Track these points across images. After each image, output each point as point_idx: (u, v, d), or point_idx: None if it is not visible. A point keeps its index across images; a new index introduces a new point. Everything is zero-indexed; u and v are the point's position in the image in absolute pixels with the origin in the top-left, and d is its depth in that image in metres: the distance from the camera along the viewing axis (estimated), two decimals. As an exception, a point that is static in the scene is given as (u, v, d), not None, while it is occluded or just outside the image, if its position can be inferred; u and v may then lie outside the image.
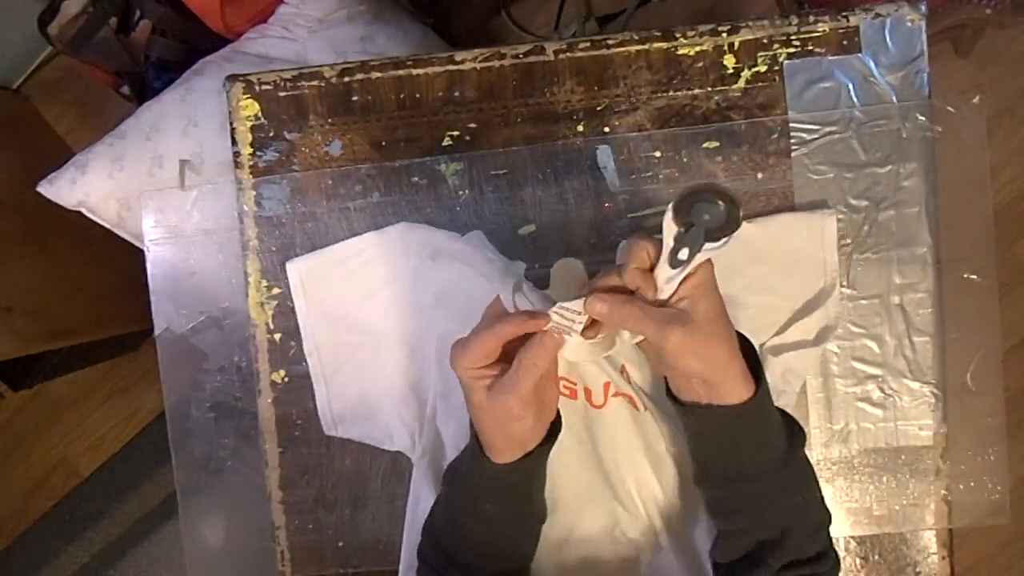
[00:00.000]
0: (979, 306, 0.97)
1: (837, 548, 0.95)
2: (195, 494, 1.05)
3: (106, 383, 2.38)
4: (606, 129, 0.98)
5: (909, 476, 0.97)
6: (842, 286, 0.97)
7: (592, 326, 0.74)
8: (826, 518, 0.79)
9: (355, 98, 1.00)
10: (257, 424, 1.02)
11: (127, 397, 2.37)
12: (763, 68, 0.97)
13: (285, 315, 1.01)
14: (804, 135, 0.96)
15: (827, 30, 0.96)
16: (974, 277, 0.97)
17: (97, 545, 2.28)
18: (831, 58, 0.96)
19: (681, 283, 0.70)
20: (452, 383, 0.96)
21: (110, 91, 1.92)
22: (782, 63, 0.96)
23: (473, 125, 0.99)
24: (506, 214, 0.99)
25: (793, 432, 0.77)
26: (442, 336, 0.95)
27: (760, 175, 0.97)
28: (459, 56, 0.99)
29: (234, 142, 1.02)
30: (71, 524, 2.33)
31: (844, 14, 0.96)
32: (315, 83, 1.01)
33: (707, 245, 0.68)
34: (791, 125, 0.96)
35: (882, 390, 0.97)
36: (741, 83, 0.97)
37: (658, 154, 0.97)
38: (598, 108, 0.98)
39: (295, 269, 0.99)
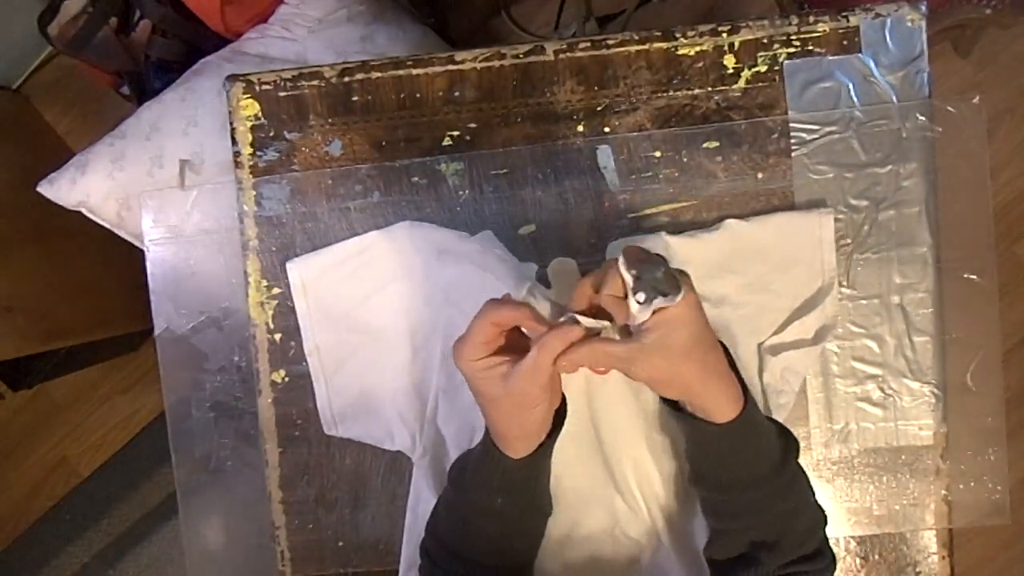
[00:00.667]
0: (979, 306, 0.97)
1: (837, 548, 0.96)
2: (195, 494, 1.05)
3: (106, 383, 2.38)
4: (606, 129, 0.98)
5: (909, 476, 0.97)
6: (842, 286, 0.97)
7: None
8: (821, 519, 0.80)
9: (355, 98, 1.00)
10: (257, 424, 1.02)
11: (127, 397, 2.37)
12: (763, 68, 0.97)
13: (285, 315, 1.01)
14: (804, 135, 0.96)
15: (827, 30, 0.96)
16: (974, 277, 0.97)
17: (97, 545, 2.28)
18: (831, 58, 0.96)
19: (657, 311, 0.70)
20: (456, 382, 0.96)
21: (110, 91, 1.92)
22: (782, 63, 0.96)
23: (473, 125, 0.99)
24: (506, 214, 0.99)
25: (787, 442, 0.78)
26: (443, 334, 0.95)
27: (760, 175, 0.97)
28: (459, 56, 0.99)
29: (234, 142, 1.01)
30: (71, 524, 2.33)
31: (844, 14, 0.96)
32: (315, 83, 1.01)
33: (656, 300, 0.68)
34: (791, 125, 0.96)
35: (882, 390, 0.97)
36: (741, 83, 0.97)
37: (658, 154, 0.97)
38: (598, 108, 0.98)
39: (295, 269, 0.99)
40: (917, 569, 0.98)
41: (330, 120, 1.01)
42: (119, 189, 1.43)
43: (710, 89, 0.97)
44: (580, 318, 0.72)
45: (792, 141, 0.96)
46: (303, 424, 1.01)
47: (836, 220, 0.96)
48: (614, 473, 0.92)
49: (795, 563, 0.75)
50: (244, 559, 1.05)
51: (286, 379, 1.01)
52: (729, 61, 0.97)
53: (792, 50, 0.96)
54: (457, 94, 0.99)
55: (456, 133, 0.99)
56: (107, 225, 1.50)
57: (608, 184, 0.98)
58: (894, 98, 0.96)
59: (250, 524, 1.04)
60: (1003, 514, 0.97)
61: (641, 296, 0.69)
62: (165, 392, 1.04)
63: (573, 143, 0.98)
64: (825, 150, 0.96)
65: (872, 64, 0.96)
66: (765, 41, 0.97)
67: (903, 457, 0.97)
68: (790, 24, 0.96)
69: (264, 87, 1.01)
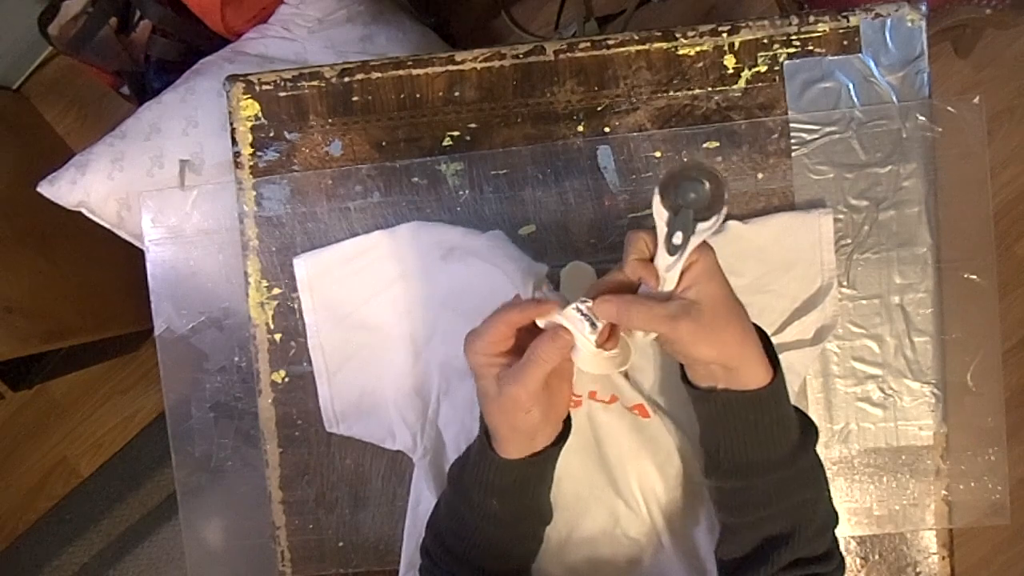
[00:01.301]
0: (979, 306, 0.97)
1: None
2: (195, 494, 1.05)
3: (106, 383, 2.38)
4: (606, 129, 0.98)
5: (909, 476, 0.97)
6: (842, 286, 0.97)
7: (610, 337, 0.74)
8: (834, 518, 0.79)
9: (355, 98, 1.00)
10: (257, 424, 1.02)
11: (127, 397, 2.37)
12: (763, 68, 0.97)
13: (285, 315, 1.01)
14: (804, 135, 0.96)
15: (827, 30, 0.96)
16: (974, 277, 0.97)
17: (97, 545, 2.28)
18: (831, 58, 0.96)
19: (684, 272, 0.70)
20: (456, 384, 0.96)
21: (110, 91, 1.92)
22: (782, 63, 0.96)
23: (473, 125, 0.99)
24: (506, 214, 0.99)
25: (806, 427, 0.77)
26: (446, 336, 0.95)
27: (760, 175, 0.97)
28: (459, 56, 0.99)
29: (234, 142, 1.02)
30: (71, 524, 2.33)
31: (844, 14, 0.96)
32: (315, 83, 1.01)
33: (699, 226, 0.68)
34: (791, 125, 0.96)
35: (882, 390, 0.97)
36: (741, 83, 0.97)
37: (658, 154, 0.97)
38: (598, 108, 0.98)
39: (302, 264, 0.99)
40: (917, 569, 0.98)
41: (330, 120, 1.01)
42: (119, 189, 1.44)
43: (710, 89, 0.97)
44: (576, 308, 0.72)
45: (792, 141, 0.96)
46: (303, 424, 1.01)
47: (836, 220, 0.96)
48: (615, 477, 0.92)
49: (806, 563, 0.75)
50: (244, 559, 1.05)
51: (286, 379, 1.01)
52: (729, 61, 0.97)
53: (792, 50, 0.96)
54: (457, 94, 0.99)
55: (456, 133, 0.99)
56: (107, 225, 1.50)
57: (608, 184, 0.98)
58: (894, 98, 0.96)
59: (250, 524, 1.04)
60: (1003, 514, 0.97)
61: (679, 237, 0.69)
62: (165, 392, 1.04)
63: (573, 143, 0.98)
64: (825, 150, 0.96)
65: (872, 64, 0.96)
66: (765, 41, 0.97)
67: (903, 457, 0.97)
68: (790, 24, 0.96)
69: (264, 87, 1.01)
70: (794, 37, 0.96)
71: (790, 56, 0.96)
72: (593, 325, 0.72)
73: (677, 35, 0.97)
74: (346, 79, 1.00)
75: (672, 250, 0.69)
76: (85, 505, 2.34)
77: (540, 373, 0.71)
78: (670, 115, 0.98)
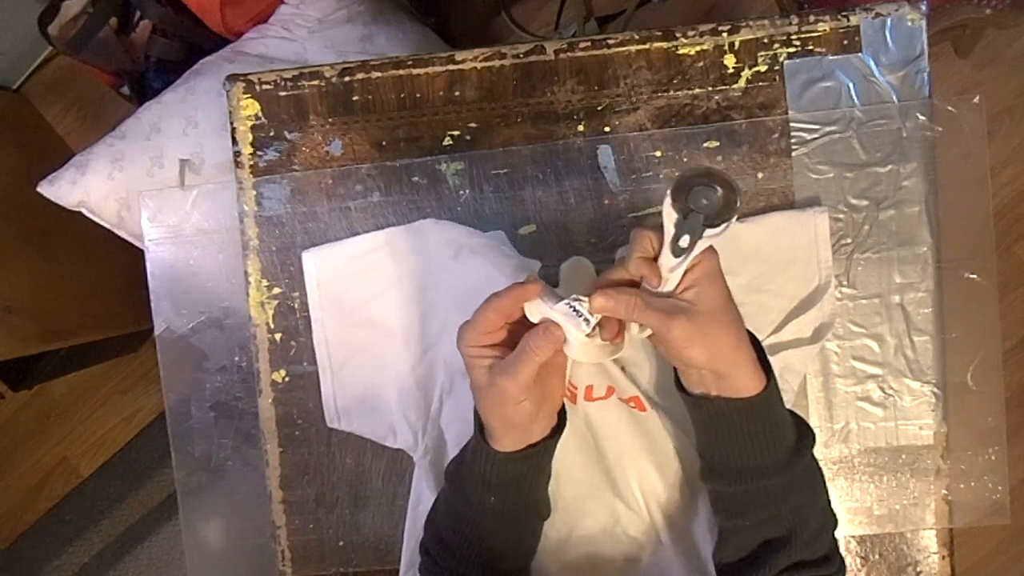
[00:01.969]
0: (979, 305, 0.97)
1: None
2: (195, 494, 1.05)
3: (106, 383, 2.38)
4: (606, 129, 0.98)
5: (909, 476, 0.97)
6: (842, 285, 0.97)
7: (619, 333, 0.74)
8: (832, 521, 0.79)
9: (355, 98, 1.00)
10: (257, 424, 1.02)
11: (127, 397, 2.37)
12: (763, 68, 0.97)
13: (285, 315, 1.01)
14: (804, 135, 0.96)
15: (827, 30, 0.96)
16: (974, 277, 0.97)
17: (97, 545, 2.28)
18: (831, 58, 0.96)
19: (686, 273, 0.71)
20: (459, 384, 0.96)
21: (110, 91, 1.92)
22: (782, 63, 0.96)
23: (473, 125, 0.99)
24: (506, 214, 0.99)
25: (802, 431, 0.77)
26: (452, 335, 0.96)
27: (760, 175, 0.97)
28: (459, 56, 0.99)
29: (234, 142, 1.02)
30: (71, 524, 2.33)
31: (844, 14, 0.96)
32: (315, 83, 1.01)
33: (707, 231, 0.68)
34: (791, 125, 0.96)
35: (882, 389, 0.97)
36: (741, 83, 0.97)
37: (659, 154, 0.97)
38: (598, 108, 0.98)
39: (310, 259, 0.99)
40: (917, 569, 0.98)
41: (330, 120, 1.01)
42: (119, 189, 1.44)
43: (710, 89, 0.97)
44: (568, 304, 0.73)
45: (792, 141, 0.96)
46: (303, 424, 1.01)
47: (836, 220, 0.96)
48: (614, 476, 0.92)
49: (805, 566, 0.75)
50: (245, 559, 1.05)
51: (286, 379, 1.01)
52: (729, 61, 0.97)
53: (792, 50, 0.96)
54: (457, 94, 0.99)
55: (456, 133, 0.99)
56: (107, 225, 1.50)
57: (608, 184, 0.98)
58: (894, 98, 0.96)
59: (251, 524, 1.04)
60: (1003, 514, 0.97)
61: (685, 240, 0.69)
62: (165, 392, 1.04)
63: (573, 143, 0.98)
64: (825, 150, 0.96)
65: (872, 64, 0.96)
66: (765, 41, 0.97)
67: (903, 457, 0.97)
68: (790, 24, 0.96)
69: (264, 87, 1.01)
70: (794, 36, 0.96)
71: (790, 56, 0.96)
72: (587, 321, 0.72)
73: (677, 35, 0.97)
74: (346, 79, 1.00)
75: (677, 252, 0.69)
76: (85, 505, 2.34)
77: (531, 365, 0.71)
78: (670, 115, 0.98)
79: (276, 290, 1.01)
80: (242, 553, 1.05)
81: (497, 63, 0.99)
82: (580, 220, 0.99)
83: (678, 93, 0.97)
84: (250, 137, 1.01)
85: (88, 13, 1.71)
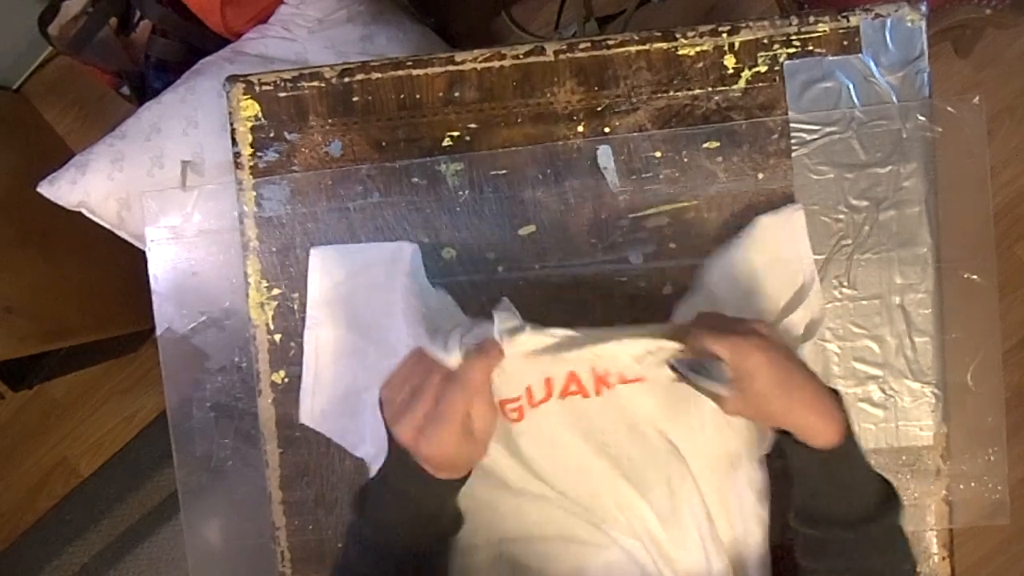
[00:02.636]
0: (979, 306, 0.97)
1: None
2: (196, 494, 1.05)
3: (106, 383, 2.38)
4: (606, 129, 0.98)
5: (910, 477, 0.97)
6: (843, 286, 0.97)
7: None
8: None
9: (355, 98, 1.00)
10: (257, 424, 1.02)
11: (127, 397, 2.37)
12: (763, 68, 0.97)
13: (285, 316, 1.01)
14: (804, 135, 0.96)
15: (827, 30, 0.96)
16: (974, 277, 0.97)
17: (97, 545, 2.28)
18: (831, 58, 0.96)
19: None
20: None
21: (110, 91, 1.92)
22: (782, 63, 0.96)
23: (473, 125, 0.99)
24: (506, 214, 0.99)
25: (888, 495, 0.79)
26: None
27: (760, 175, 0.97)
28: (459, 56, 0.99)
29: (234, 143, 1.02)
30: (71, 524, 2.33)
31: (844, 14, 0.96)
32: (315, 83, 1.01)
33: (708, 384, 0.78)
34: (791, 125, 0.96)
35: (883, 390, 0.97)
36: (741, 83, 0.97)
37: (658, 154, 0.97)
38: (598, 108, 0.98)
39: (318, 255, 1.00)
40: (918, 569, 0.98)
41: (330, 121, 1.01)
42: (119, 189, 1.44)
43: (710, 89, 0.97)
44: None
45: (792, 141, 0.96)
46: (303, 425, 1.01)
47: (836, 221, 0.96)
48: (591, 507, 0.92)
49: None
50: (245, 559, 1.05)
51: (286, 380, 1.01)
52: (729, 61, 0.97)
53: (792, 50, 0.96)
54: (457, 94, 0.99)
55: (456, 133, 0.99)
56: (107, 225, 1.50)
57: (608, 184, 0.98)
58: (894, 98, 0.96)
59: (251, 524, 1.04)
60: (1003, 514, 0.97)
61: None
62: (167, 392, 1.04)
63: (573, 143, 0.98)
64: (825, 150, 0.96)
65: (872, 64, 0.96)
66: (765, 41, 0.97)
67: (904, 458, 0.97)
68: (790, 24, 0.96)
69: (264, 88, 1.01)
70: (794, 37, 0.96)
71: (790, 56, 0.96)
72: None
73: (677, 35, 0.97)
74: (346, 79, 1.00)
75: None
76: (85, 505, 2.34)
77: (454, 428, 0.71)
78: (670, 115, 0.98)
79: (276, 291, 1.01)
80: (242, 553, 1.05)
81: (497, 64, 0.99)
82: (580, 220, 0.99)
83: (678, 94, 0.97)
84: (250, 138, 1.01)
85: (88, 13, 1.71)
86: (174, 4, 1.63)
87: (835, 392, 0.79)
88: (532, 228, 0.99)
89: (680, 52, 0.97)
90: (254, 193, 1.01)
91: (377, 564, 0.79)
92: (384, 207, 1.00)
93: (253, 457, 1.03)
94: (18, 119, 2.28)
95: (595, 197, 0.98)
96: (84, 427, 2.40)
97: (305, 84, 1.01)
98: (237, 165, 1.01)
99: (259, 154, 1.01)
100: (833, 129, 0.96)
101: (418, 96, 1.00)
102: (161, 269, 1.05)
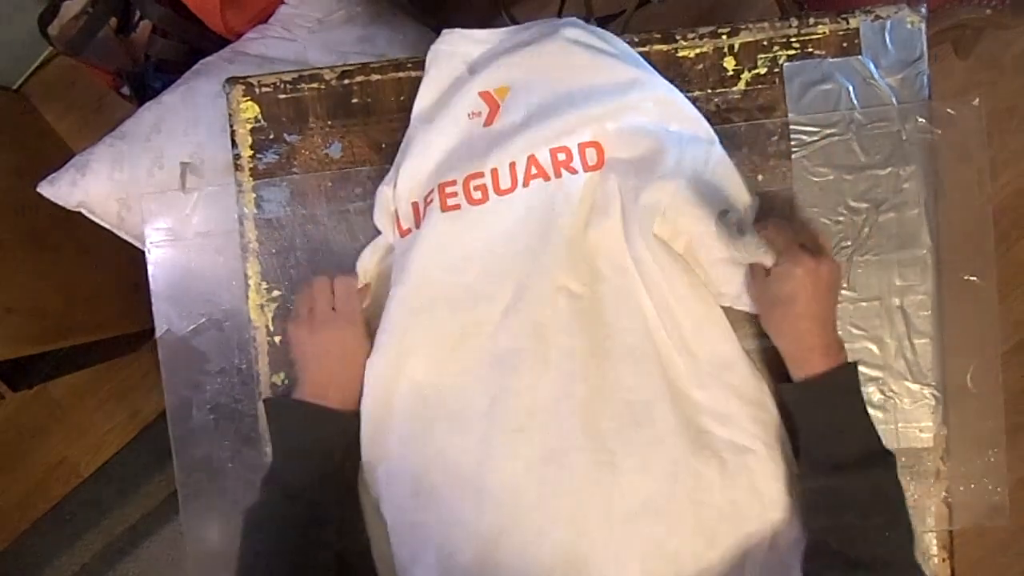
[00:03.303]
0: (979, 308, 0.97)
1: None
2: (196, 496, 1.05)
3: (106, 383, 2.37)
4: (606, 131, 0.98)
5: (910, 478, 0.97)
6: (843, 288, 0.96)
7: None
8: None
9: (355, 100, 1.00)
10: (257, 427, 1.02)
11: (127, 398, 2.37)
12: (763, 70, 0.97)
13: (285, 317, 1.01)
14: (804, 137, 0.96)
15: (827, 32, 0.96)
16: (974, 279, 0.97)
17: (97, 545, 2.27)
18: (831, 60, 0.96)
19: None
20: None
21: (110, 92, 1.92)
22: (782, 65, 0.97)
23: (473, 127, 0.99)
24: (506, 216, 0.99)
25: (883, 449, 0.83)
26: None
27: (760, 177, 0.97)
28: (459, 58, 0.99)
29: (234, 144, 1.02)
30: (71, 524, 2.32)
31: (844, 16, 0.96)
32: (315, 85, 1.01)
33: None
34: (791, 127, 0.96)
35: (883, 392, 0.97)
36: (741, 85, 0.97)
37: (658, 156, 0.97)
38: (598, 110, 0.98)
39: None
40: (917, 571, 0.98)
41: (330, 122, 1.01)
42: (119, 190, 1.43)
43: (710, 91, 0.97)
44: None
45: (792, 143, 0.97)
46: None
47: (836, 223, 0.96)
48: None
49: None
50: (244, 561, 1.05)
51: (286, 382, 1.01)
52: (729, 63, 0.97)
53: (792, 52, 0.96)
54: (457, 96, 0.99)
55: (456, 135, 0.99)
56: (107, 226, 1.50)
57: (608, 186, 0.98)
58: (894, 100, 0.96)
59: (251, 526, 1.03)
60: (1002, 515, 0.97)
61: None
62: (167, 394, 1.04)
63: (573, 145, 0.98)
64: (825, 152, 0.96)
65: (872, 66, 0.96)
66: (765, 43, 0.97)
67: (904, 459, 0.97)
68: (790, 26, 0.96)
69: (264, 90, 1.01)
70: (794, 39, 0.96)
71: (790, 58, 0.97)
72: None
73: (677, 37, 0.97)
74: (346, 81, 1.00)
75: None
76: (85, 505, 2.34)
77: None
78: (670, 117, 0.97)
79: (276, 293, 1.01)
80: (242, 555, 1.05)
81: (497, 65, 0.99)
82: (580, 222, 0.98)
83: (678, 95, 0.97)
84: (250, 140, 1.01)
85: (88, 13, 1.71)
86: (174, 4, 1.63)
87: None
88: (532, 230, 0.99)
89: (680, 54, 0.97)
90: (254, 195, 1.01)
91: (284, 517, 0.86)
92: (384, 209, 1.00)
93: (253, 459, 1.03)
94: (18, 119, 2.28)
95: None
96: (84, 427, 2.40)
97: (305, 86, 1.01)
98: (237, 167, 1.01)
99: (259, 156, 1.01)
100: (833, 131, 0.96)
101: (418, 98, 1.00)
102: (161, 271, 1.05)
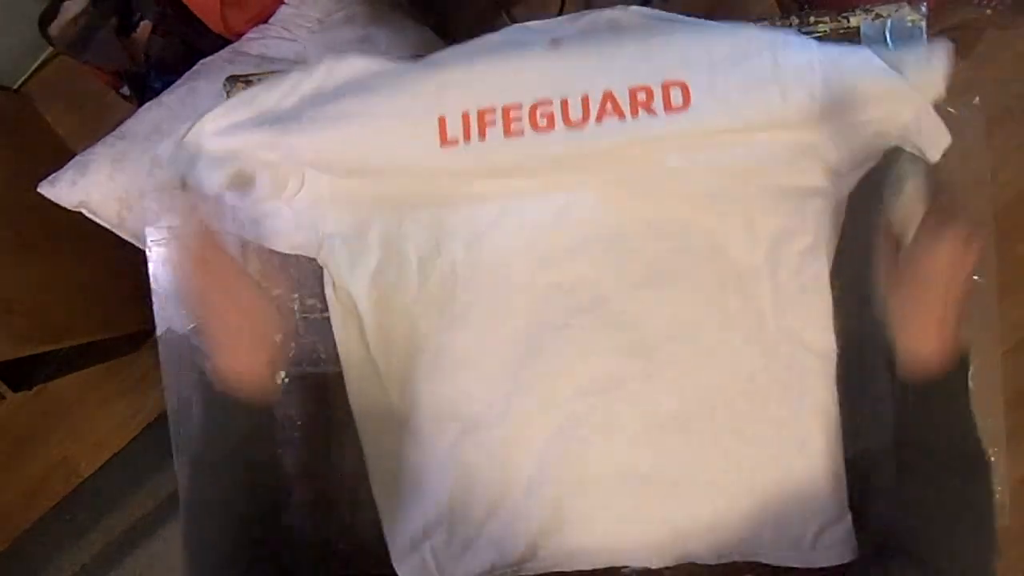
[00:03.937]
0: (979, 307, 0.97)
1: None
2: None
3: (106, 383, 2.37)
4: (606, 130, 0.98)
5: (909, 478, 0.97)
6: (843, 288, 0.96)
7: None
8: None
9: (355, 99, 1.00)
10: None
11: (127, 397, 2.37)
12: (763, 69, 0.97)
13: (284, 316, 1.01)
14: (805, 136, 0.96)
15: (827, 31, 0.96)
16: (974, 278, 0.97)
17: (97, 545, 2.27)
18: (832, 59, 0.96)
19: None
20: None
21: (110, 92, 1.92)
22: (782, 64, 0.96)
23: (473, 126, 0.99)
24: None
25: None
26: None
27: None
28: (459, 58, 0.99)
29: (234, 144, 1.01)
30: (71, 524, 2.32)
31: (844, 15, 0.96)
32: (315, 84, 1.00)
33: None
34: (792, 126, 0.96)
35: (884, 392, 0.97)
36: (742, 84, 0.97)
37: (658, 155, 0.97)
38: (598, 109, 0.98)
39: None
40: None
41: (330, 122, 1.00)
42: (119, 189, 1.44)
43: (711, 90, 0.97)
44: None
45: (792, 143, 0.96)
46: (303, 425, 1.01)
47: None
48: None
49: None
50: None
51: (286, 380, 1.01)
52: (729, 62, 0.97)
53: (793, 51, 0.96)
54: (457, 96, 0.99)
55: (456, 134, 0.99)
56: (107, 225, 1.50)
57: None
58: (894, 100, 0.96)
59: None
60: (1003, 515, 0.97)
61: None
62: (167, 394, 1.04)
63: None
64: (826, 151, 0.96)
65: (872, 65, 0.96)
66: (765, 42, 0.97)
67: (903, 458, 0.97)
68: (791, 25, 0.96)
69: (264, 89, 1.01)
70: (794, 38, 0.96)
71: (791, 57, 0.96)
72: None
73: (678, 36, 0.97)
74: (346, 81, 1.00)
75: None
76: (85, 505, 2.33)
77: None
78: (670, 116, 0.97)
79: (275, 291, 1.01)
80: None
81: (497, 65, 0.99)
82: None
83: (678, 95, 0.97)
84: (250, 139, 1.01)
85: (88, 14, 1.71)
86: (174, 5, 1.63)
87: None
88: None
89: (680, 53, 0.97)
90: (254, 194, 1.01)
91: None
92: (384, 208, 1.00)
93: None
94: (18, 119, 2.28)
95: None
96: (84, 427, 2.40)
97: (305, 85, 1.01)
98: (237, 166, 1.01)
99: (259, 155, 1.01)
100: (834, 130, 0.96)
101: (418, 97, 1.00)
102: (162, 270, 1.05)
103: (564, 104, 0.89)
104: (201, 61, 1.53)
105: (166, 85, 1.52)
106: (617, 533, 0.91)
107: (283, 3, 1.55)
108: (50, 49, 2.27)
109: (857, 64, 0.87)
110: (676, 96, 0.88)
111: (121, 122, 1.48)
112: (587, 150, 0.89)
